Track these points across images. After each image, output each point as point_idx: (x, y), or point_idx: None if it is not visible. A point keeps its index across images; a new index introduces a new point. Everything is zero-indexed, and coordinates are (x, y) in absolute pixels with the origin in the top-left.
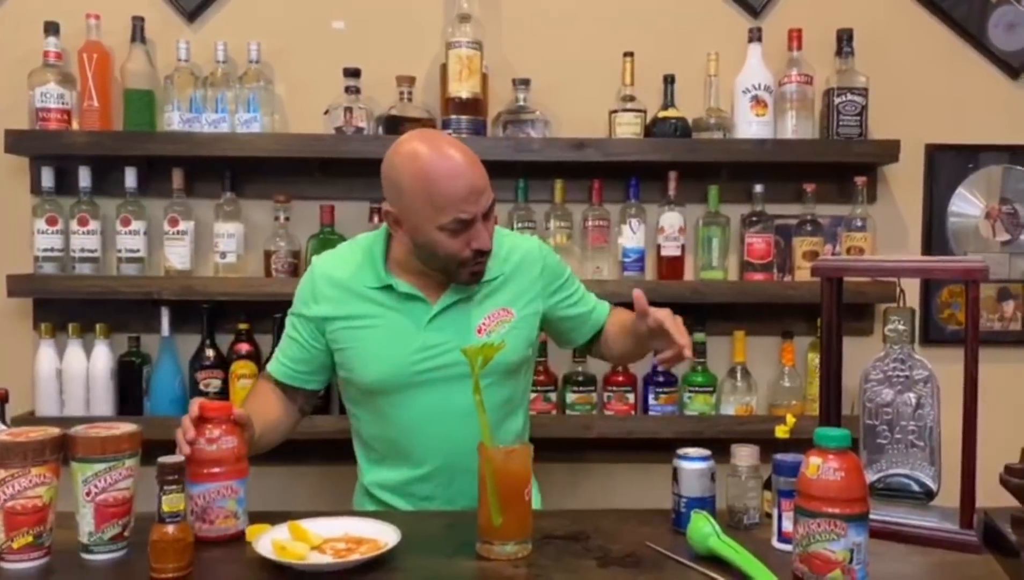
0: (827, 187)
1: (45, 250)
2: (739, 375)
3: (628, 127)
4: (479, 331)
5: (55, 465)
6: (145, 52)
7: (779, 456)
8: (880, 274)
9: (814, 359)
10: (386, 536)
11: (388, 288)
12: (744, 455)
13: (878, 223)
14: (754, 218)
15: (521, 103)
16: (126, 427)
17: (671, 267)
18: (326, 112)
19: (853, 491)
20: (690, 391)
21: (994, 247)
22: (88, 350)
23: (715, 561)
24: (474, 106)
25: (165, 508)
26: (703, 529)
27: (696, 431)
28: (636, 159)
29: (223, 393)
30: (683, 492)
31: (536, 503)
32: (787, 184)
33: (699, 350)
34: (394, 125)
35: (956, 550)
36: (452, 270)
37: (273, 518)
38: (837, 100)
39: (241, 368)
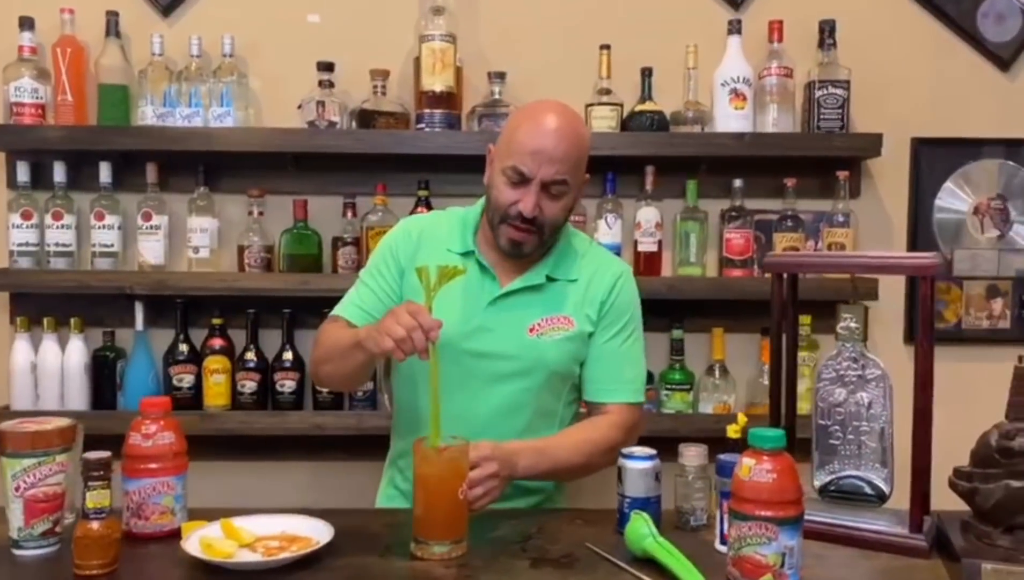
0: (808, 182)
1: (20, 245)
2: (717, 373)
3: (604, 121)
4: (531, 330)
5: None
6: (120, 46)
7: (723, 456)
8: (831, 269)
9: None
10: (321, 534)
11: (468, 256)
12: (691, 455)
13: (861, 219)
14: (733, 213)
15: (496, 96)
16: (58, 422)
17: (648, 263)
18: (299, 106)
19: (786, 493)
20: (667, 389)
21: (983, 243)
22: (63, 344)
23: (652, 563)
24: (448, 100)
25: (89, 504)
26: (640, 530)
27: (672, 429)
28: (612, 153)
29: (196, 388)
30: (627, 492)
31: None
32: (767, 179)
33: (677, 347)
34: (367, 119)
35: (904, 554)
36: (497, 226)
37: (214, 515)
38: (818, 93)
39: (214, 363)
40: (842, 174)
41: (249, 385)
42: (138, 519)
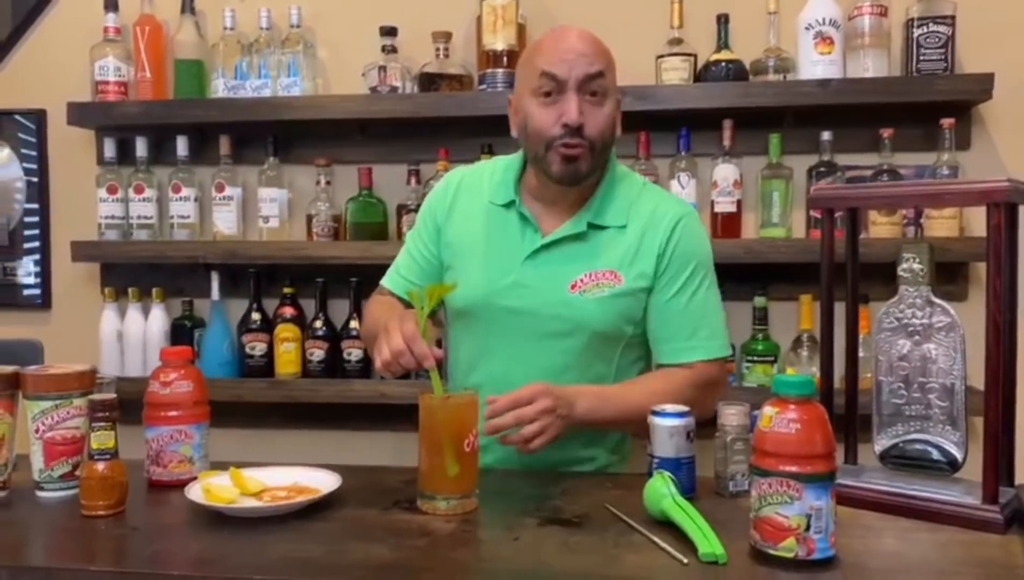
0: (910, 132)
1: (107, 217)
2: (805, 344)
3: (675, 72)
4: (572, 287)
5: (9, 402)
6: (194, 23)
7: (757, 411)
8: (884, 201)
9: None
10: (330, 487)
11: (510, 206)
12: (731, 414)
13: (971, 173)
14: (822, 169)
15: None
16: (77, 366)
17: (726, 225)
18: (363, 73)
19: (812, 446)
20: (749, 360)
21: None
22: (146, 313)
23: (668, 526)
24: (510, 58)
25: (94, 445)
26: (660, 490)
27: (755, 404)
28: (685, 107)
29: (268, 356)
30: (656, 452)
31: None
32: (860, 130)
33: (760, 316)
34: (429, 83)
35: (974, 528)
36: (544, 158)
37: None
38: (918, 32)
39: (284, 331)
40: (947, 122)
41: (317, 353)
42: (157, 467)
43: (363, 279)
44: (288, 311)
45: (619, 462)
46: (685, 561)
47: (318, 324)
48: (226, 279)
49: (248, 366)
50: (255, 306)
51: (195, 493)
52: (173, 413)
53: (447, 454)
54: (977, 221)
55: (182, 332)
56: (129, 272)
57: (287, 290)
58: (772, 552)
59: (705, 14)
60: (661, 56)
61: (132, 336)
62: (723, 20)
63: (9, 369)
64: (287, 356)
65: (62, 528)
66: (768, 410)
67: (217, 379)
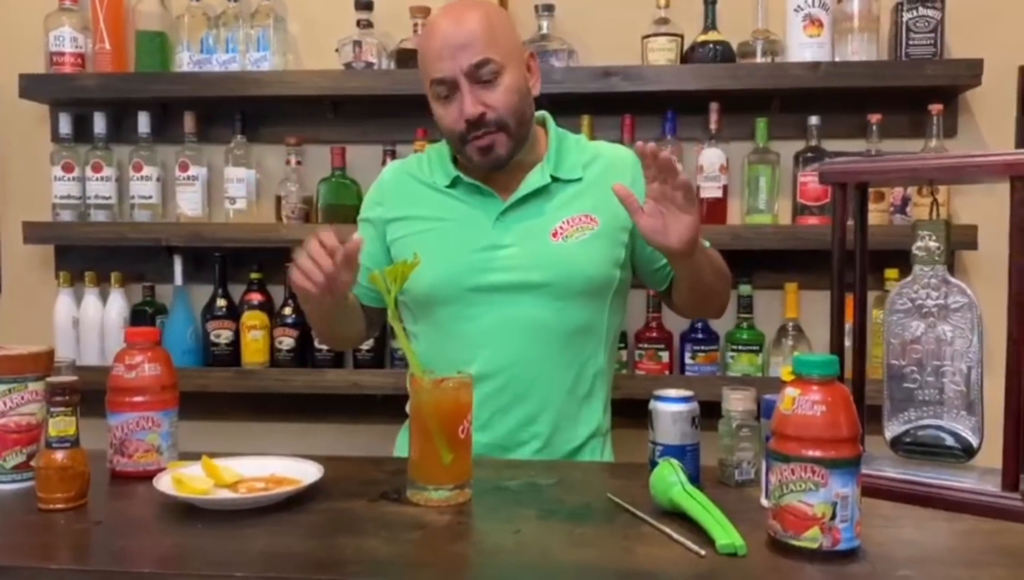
0: (897, 119)
1: (62, 197)
2: (790, 333)
3: (662, 53)
4: (554, 235)
5: None
6: None
7: (770, 396)
8: (901, 175)
9: (879, 316)
10: (310, 477)
11: (456, 183)
12: (737, 399)
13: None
14: (809, 155)
15: (544, 31)
16: (33, 348)
17: (712, 210)
18: (337, 49)
19: (838, 429)
20: (734, 349)
21: None
22: (104, 299)
23: (678, 516)
24: None
25: (52, 432)
26: (668, 478)
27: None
28: (671, 88)
29: (234, 345)
30: (658, 439)
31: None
32: (848, 116)
33: (745, 304)
34: (407, 59)
35: (993, 517)
36: (463, 151)
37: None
38: (907, 16)
39: (252, 319)
40: (935, 108)
41: (287, 342)
42: (121, 456)
43: None
44: (256, 297)
45: (605, 449)
46: (703, 553)
47: (287, 311)
48: (189, 263)
49: (213, 355)
50: (220, 292)
51: (165, 484)
52: (139, 398)
53: (440, 441)
54: (964, 210)
55: (143, 318)
56: (85, 255)
57: (254, 275)
58: (794, 542)
59: None
60: (647, 36)
61: (89, 323)
62: (710, 0)
63: None
64: (255, 345)
65: (17, 523)
66: (790, 391)
67: (181, 368)
